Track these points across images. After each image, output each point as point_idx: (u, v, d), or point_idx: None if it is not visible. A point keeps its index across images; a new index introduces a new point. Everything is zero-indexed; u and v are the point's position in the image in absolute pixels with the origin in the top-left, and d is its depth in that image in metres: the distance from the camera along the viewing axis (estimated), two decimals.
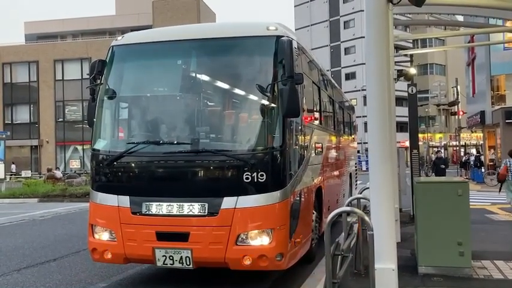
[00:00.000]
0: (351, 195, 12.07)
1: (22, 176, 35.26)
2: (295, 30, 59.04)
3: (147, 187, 5.91)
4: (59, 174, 28.22)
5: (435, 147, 58.99)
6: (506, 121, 26.38)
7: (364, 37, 4.68)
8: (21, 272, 7.42)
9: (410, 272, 6.24)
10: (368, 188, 4.56)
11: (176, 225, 5.64)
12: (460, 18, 23.54)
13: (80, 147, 45.17)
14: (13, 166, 39.05)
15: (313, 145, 7.32)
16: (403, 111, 20.05)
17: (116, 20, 54.92)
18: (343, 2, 65.31)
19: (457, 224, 6.10)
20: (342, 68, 64.53)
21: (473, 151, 46.94)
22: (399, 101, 28.18)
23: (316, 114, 7.99)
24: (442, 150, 56.03)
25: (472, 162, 29.93)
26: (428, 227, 6.22)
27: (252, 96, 6.00)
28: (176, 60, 6.42)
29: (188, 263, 5.60)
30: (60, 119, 45.75)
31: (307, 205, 6.71)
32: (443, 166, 22.06)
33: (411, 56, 25.28)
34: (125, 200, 5.86)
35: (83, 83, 41.45)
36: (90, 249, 6.21)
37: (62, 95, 45.21)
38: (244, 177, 5.49)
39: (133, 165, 6.10)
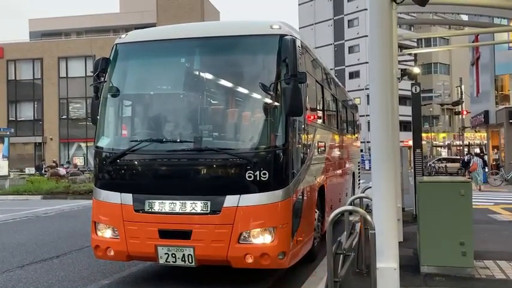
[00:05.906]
0: (354, 194, 12.06)
1: (26, 172, 35.32)
2: (299, 28, 58.98)
3: (150, 185, 5.92)
4: (62, 171, 28.26)
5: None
6: (510, 121, 26.25)
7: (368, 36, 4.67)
8: (24, 268, 7.45)
9: (412, 271, 6.23)
10: (370, 187, 4.55)
11: (179, 223, 5.65)
12: (465, 17, 23.48)
13: (83, 145, 45.32)
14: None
15: (316, 144, 7.32)
16: (406, 111, 19.93)
17: (120, 17, 54.96)
18: (348, 1, 65.17)
19: (459, 223, 6.09)
20: (346, 66, 64.43)
21: (477, 151, 46.63)
22: (403, 100, 28.11)
23: (320, 113, 7.98)
24: None
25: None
26: (430, 226, 6.21)
27: (255, 95, 6.00)
28: (179, 59, 6.43)
29: (190, 261, 5.61)
30: (64, 116, 45.90)
31: (309, 204, 6.71)
32: None
33: (415, 55, 25.35)
34: (127, 198, 5.88)
35: (86, 80, 41.53)
36: (93, 246, 6.23)
37: (66, 92, 45.38)
38: (246, 175, 5.50)
39: (136, 163, 6.12)
